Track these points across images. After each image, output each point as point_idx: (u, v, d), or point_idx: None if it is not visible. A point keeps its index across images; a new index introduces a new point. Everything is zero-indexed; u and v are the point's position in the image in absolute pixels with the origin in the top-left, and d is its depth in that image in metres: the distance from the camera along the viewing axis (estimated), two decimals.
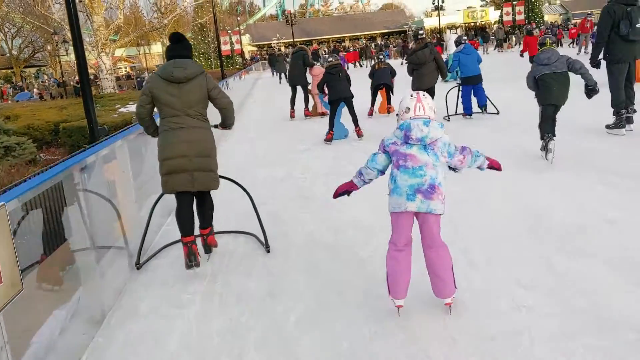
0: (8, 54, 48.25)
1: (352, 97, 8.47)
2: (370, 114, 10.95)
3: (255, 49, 58.40)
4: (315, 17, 68.42)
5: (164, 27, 32.68)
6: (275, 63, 30.99)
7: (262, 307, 3.33)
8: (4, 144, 10.04)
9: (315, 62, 13.12)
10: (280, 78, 27.43)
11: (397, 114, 3.13)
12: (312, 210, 5.14)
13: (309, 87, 11.95)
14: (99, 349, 3.08)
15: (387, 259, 3.00)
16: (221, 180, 4.12)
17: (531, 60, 6.48)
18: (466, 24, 54.28)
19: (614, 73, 6.75)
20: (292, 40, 50.23)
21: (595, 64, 6.96)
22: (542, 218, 4.26)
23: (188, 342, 3.04)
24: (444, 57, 15.54)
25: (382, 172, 3.11)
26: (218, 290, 3.62)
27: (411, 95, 3.02)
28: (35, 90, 39.02)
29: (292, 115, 12.03)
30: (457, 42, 9.97)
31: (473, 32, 36.70)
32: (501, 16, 46.96)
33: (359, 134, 8.52)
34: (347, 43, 55.41)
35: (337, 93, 8.39)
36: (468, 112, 9.49)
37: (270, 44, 56.47)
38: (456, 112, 9.76)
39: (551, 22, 45.54)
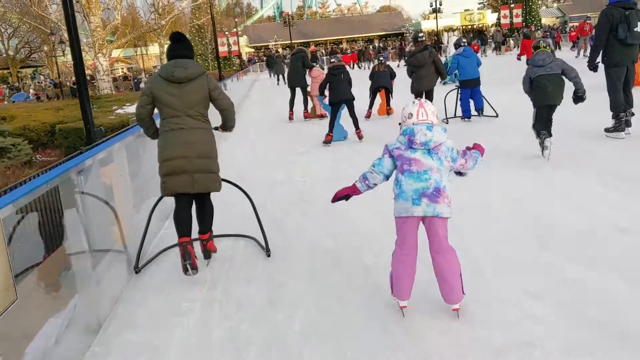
0: (4, 55, 48.03)
1: (354, 99, 8.42)
2: (368, 116, 10.90)
3: (253, 50, 58.33)
4: (313, 19, 68.51)
5: (161, 28, 32.65)
6: (273, 65, 30.94)
7: (263, 315, 3.25)
8: None
9: (315, 64, 13.07)
10: (278, 79, 27.38)
11: (399, 123, 3.15)
12: (313, 214, 5.06)
13: (308, 89, 11.90)
14: (95, 359, 2.99)
15: (392, 259, 3.01)
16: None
17: (528, 63, 6.48)
18: (463, 27, 54.35)
19: (612, 77, 6.75)
20: (289, 42, 50.20)
21: (593, 67, 6.98)
22: (547, 224, 4.19)
23: (187, 352, 2.95)
24: (443, 59, 15.50)
25: (388, 177, 3.09)
26: (218, 298, 3.53)
27: (413, 102, 3.05)
28: (31, 90, 38.80)
29: (290, 117, 11.97)
30: (457, 45, 9.93)
31: (471, 35, 36.66)
32: (499, 19, 47.03)
33: (359, 136, 8.47)
34: (344, 45, 55.43)
35: (339, 95, 8.33)
36: (467, 115, 9.47)
37: (268, 45, 56.48)
38: (455, 114, 9.74)
39: (549, 25, 45.60)
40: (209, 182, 3.83)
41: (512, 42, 36.50)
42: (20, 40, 47.25)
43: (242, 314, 3.27)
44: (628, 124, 6.72)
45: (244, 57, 52.22)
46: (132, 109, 15.57)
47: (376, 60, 11.99)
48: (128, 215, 4.35)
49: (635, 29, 6.50)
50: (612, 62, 6.69)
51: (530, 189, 5.13)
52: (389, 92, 11.07)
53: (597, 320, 2.80)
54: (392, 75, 11.20)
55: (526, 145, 6.53)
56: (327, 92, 8.58)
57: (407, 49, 33.02)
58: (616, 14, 6.55)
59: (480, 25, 54.28)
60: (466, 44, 9.93)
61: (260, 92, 23.79)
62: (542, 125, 5.97)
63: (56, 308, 3.16)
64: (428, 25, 51.74)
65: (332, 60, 9.02)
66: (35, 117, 14.66)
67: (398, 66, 23.07)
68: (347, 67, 12.09)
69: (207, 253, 3.99)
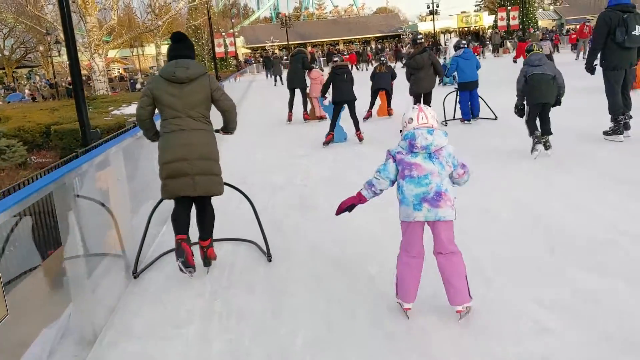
0: (0, 55, 47.75)
1: (355, 100, 8.34)
2: (367, 117, 10.81)
3: (249, 51, 58.20)
4: (310, 21, 68.42)
5: (157, 29, 32.51)
6: (270, 66, 30.82)
7: (265, 326, 3.12)
8: None
9: (314, 65, 12.98)
10: (275, 81, 27.27)
11: (400, 130, 3.14)
12: (315, 219, 4.94)
13: (307, 90, 11.80)
14: None
15: (398, 262, 3.02)
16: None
17: (524, 63, 6.49)
18: (460, 29, 54.40)
19: (610, 80, 6.74)
20: (286, 43, 50.09)
21: (590, 69, 6.99)
22: (547, 224, 4.17)
23: None
24: (441, 61, 15.44)
25: (393, 183, 3.04)
26: (218, 308, 3.40)
27: (413, 107, 3.06)
28: (27, 91, 38.62)
29: (289, 119, 11.86)
30: (456, 47, 9.87)
31: (469, 37, 36.70)
32: (495, 21, 47.08)
33: (360, 138, 8.39)
34: (341, 46, 55.40)
35: (342, 95, 8.25)
36: (466, 117, 9.41)
37: (264, 46, 56.36)
38: (454, 117, 9.67)
39: (547, 27, 45.69)
40: (210, 184, 3.73)
41: (509, 44, 36.54)
42: (16, 40, 46.94)
43: (243, 326, 3.15)
44: (627, 127, 6.73)
45: (241, 58, 52.10)
46: (128, 110, 15.45)
47: (375, 62, 11.92)
48: (126, 218, 4.23)
49: (633, 33, 6.48)
50: (611, 66, 6.68)
51: (535, 192, 5.09)
52: (389, 93, 11.00)
53: (597, 320, 2.80)
54: (393, 76, 11.13)
55: (526, 147, 6.49)
56: (331, 90, 8.48)
57: (403, 51, 33.06)
58: (614, 17, 6.53)
59: (476, 28, 54.36)
60: (465, 45, 9.85)
61: (258, 93, 23.64)
62: (534, 124, 6.18)
63: (50, 317, 3.05)
64: (425, 27, 51.62)
65: (335, 59, 8.93)
66: (30, 118, 14.54)
67: (394, 67, 22.97)
68: None
69: (207, 260, 3.88)
